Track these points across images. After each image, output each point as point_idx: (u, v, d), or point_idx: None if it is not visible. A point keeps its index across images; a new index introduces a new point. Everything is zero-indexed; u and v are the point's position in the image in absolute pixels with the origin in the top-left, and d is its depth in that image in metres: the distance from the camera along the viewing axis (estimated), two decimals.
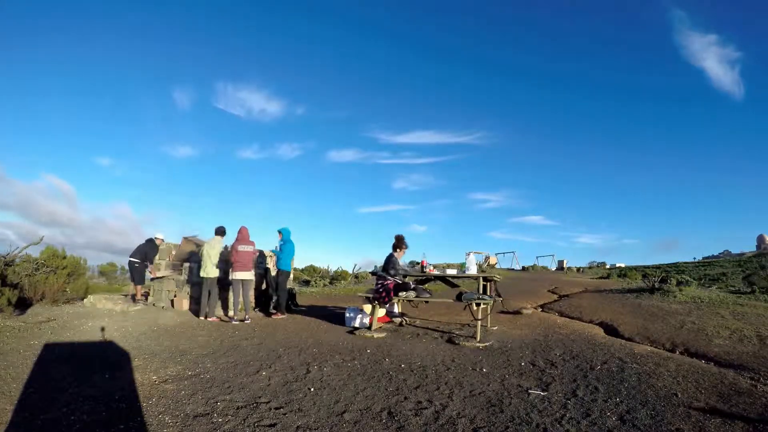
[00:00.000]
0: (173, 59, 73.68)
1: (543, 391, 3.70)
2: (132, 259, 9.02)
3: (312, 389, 3.66)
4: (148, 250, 9.16)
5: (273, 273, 9.12)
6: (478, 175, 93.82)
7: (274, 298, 8.93)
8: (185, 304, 8.62)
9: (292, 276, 11.29)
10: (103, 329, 6.07)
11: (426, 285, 7.59)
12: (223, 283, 8.13)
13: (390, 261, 6.72)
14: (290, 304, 9.59)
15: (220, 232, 7.96)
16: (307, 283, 17.09)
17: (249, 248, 7.77)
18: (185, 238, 9.54)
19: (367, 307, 7.07)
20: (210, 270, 7.66)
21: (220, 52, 77.31)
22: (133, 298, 9.01)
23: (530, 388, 3.77)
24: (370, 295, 6.79)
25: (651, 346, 5.93)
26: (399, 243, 6.81)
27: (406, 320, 7.53)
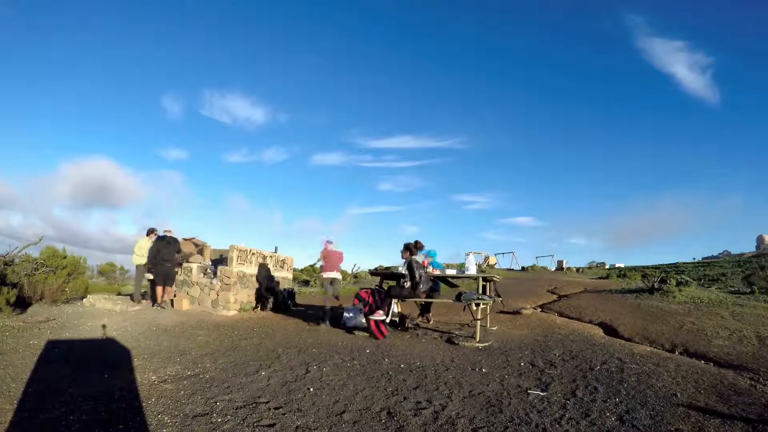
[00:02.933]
0: (161, 67, 75.17)
1: (542, 391, 3.70)
2: (165, 261, 8.42)
3: (311, 389, 3.65)
4: (179, 249, 8.89)
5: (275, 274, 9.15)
6: (461, 178, 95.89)
7: (271, 299, 9.05)
8: (185, 304, 8.64)
9: (291, 276, 11.30)
10: (102, 329, 6.07)
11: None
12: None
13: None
14: (290, 304, 9.61)
15: (150, 231, 8.88)
16: (306, 283, 17.08)
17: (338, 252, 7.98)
18: (185, 239, 9.54)
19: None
20: (139, 260, 8.62)
21: (205, 61, 79.14)
22: (154, 301, 8.56)
23: (529, 389, 3.77)
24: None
25: (650, 346, 5.93)
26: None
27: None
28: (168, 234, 8.73)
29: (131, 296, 8.98)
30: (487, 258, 27.38)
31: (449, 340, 5.95)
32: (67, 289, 8.08)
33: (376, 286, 7.11)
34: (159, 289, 8.51)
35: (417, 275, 6.36)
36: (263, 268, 9.60)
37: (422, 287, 6.49)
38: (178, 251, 8.83)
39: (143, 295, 9.04)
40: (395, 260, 7.72)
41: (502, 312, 9.14)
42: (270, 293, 9.24)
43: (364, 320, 6.85)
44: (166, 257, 8.44)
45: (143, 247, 8.65)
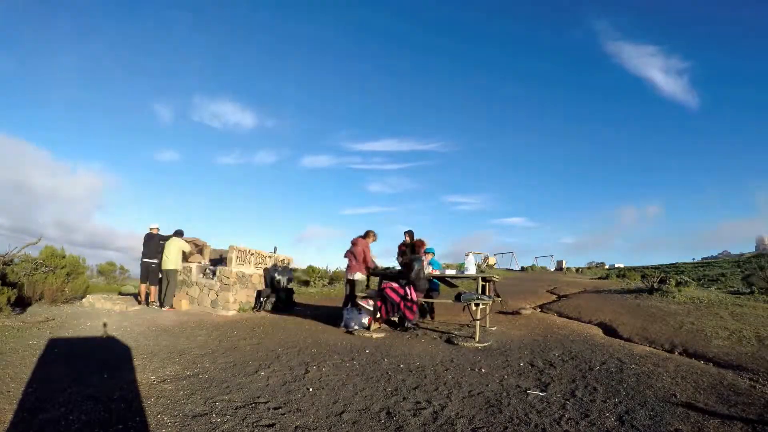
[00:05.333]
0: (153, 74, 75.91)
1: (542, 391, 3.70)
2: (149, 260, 8.59)
3: (311, 389, 3.65)
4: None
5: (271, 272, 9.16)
6: (450, 180, 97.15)
7: (273, 298, 9.05)
8: (184, 304, 8.63)
9: (291, 276, 11.29)
10: (102, 329, 6.07)
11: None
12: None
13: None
14: (289, 304, 9.60)
15: (179, 233, 8.97)
16: (306, 283, 17.06)
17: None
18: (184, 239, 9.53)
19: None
20: (169, 263, 8.48)
21: (196, 67, 79.96)
22: (147, 301, 8.67)
23: (529, 389, 3.77)
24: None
25: (650, 346, 5.94)
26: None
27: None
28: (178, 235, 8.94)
29: (143, 297, 8.83)
30: (486, 258, 27.37)
31: (449, 341, 5.96)
32: (66, 289, 8.08)
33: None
34: (153, 289, 8.70)
35: (414, 272, 6.49)
36: (262, 267, 9.61)
37: (420, 284, 6.63)
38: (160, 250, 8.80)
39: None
40: (393, 261, 7.81)
41: (501, 312, 9.14)
42: (269, 293, 9.23)
43: (365, 320, 6.86)
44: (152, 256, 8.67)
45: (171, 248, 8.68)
